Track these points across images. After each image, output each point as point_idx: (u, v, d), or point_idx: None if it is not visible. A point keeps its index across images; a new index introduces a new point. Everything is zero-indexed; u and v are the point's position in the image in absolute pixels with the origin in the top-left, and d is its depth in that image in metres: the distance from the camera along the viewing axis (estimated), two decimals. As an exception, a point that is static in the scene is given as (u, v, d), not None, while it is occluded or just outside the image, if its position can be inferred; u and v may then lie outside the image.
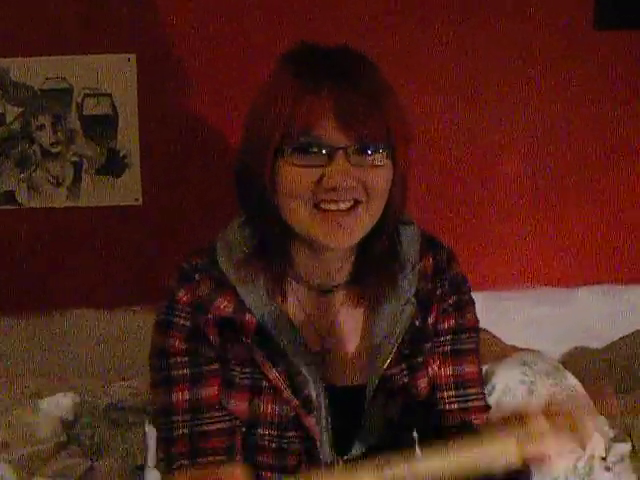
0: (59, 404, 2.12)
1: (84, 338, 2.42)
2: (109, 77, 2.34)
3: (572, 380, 2.16)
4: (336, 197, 1.31)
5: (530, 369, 2.13)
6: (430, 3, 2.33)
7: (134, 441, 2.02)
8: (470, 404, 1.50)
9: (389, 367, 1.43)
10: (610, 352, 2.49)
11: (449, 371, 1.50)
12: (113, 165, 2.37)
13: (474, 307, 1.54)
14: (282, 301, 1.46)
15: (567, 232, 2.44)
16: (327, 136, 1.30)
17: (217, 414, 1.46)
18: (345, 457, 1.46)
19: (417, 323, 1.47)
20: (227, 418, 1.46)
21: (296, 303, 1.48)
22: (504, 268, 2.45)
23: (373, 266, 1.45)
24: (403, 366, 1.46)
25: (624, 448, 2.10)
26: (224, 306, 1.44)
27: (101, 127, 2.36)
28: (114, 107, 2.35)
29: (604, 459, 2.08)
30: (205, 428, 1.46)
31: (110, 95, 2.35)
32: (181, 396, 1.46)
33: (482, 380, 1.57)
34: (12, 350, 2.42)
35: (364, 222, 1.36)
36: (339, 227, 1.33)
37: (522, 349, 2.34)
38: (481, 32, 2.33)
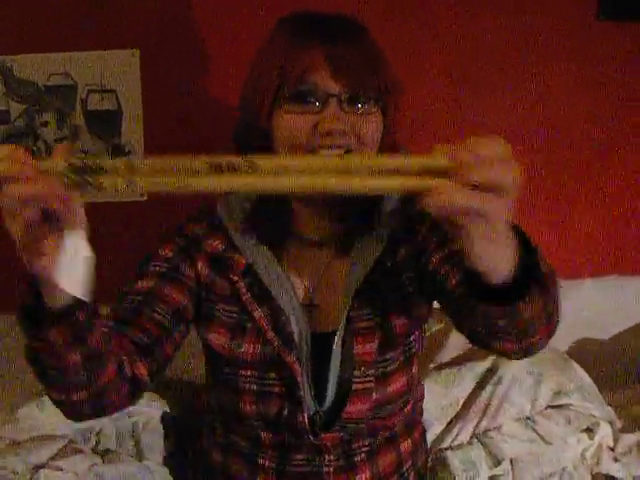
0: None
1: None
2: (113, 73, 2.34)
3: (579, 371, 2.16)
4: (330, 142, 1.37)
5: (537, 360, 2.13)
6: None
7: (144, 436, 2.03)
8: None
9: (358, 308, 1.50)
10: (617, 343, 2.49)
11: (442, 254, 1.45)
12: (118, 161, 2.37)
13: None
14: (274, 248, 1.53)
15: (572, 224, 2.44)
16: (321, 84, 1.38)
17: (165, 310, 1.49)
18: (323, 406, 1.51)
19: (388, 263, 1.52)
20: (169, 322, 1.49)
21: (287, 253, 1.55)
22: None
23: (359, 216, 1.52)
24: (375, 306, 1.51)
25: (633, 439, 2.10)
26: (216, 244, 1.55)
27: (105, 123, 2.36)
28: (118, 103, 2.35)
29: (612, 450, 2.07)
30: (146, 309, 1.48)
31: (114, 91, 2.35)
32: (145, 283, 1.51)
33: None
34: (18, 348, 2.41)
35: None
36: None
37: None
38: (483, 22, 2.33)
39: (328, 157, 1.18)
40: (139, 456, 2.00)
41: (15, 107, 2.35)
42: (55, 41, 2.31)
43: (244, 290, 1.51)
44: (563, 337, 2.45)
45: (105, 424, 2.07)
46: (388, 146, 1.48)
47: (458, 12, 2.32)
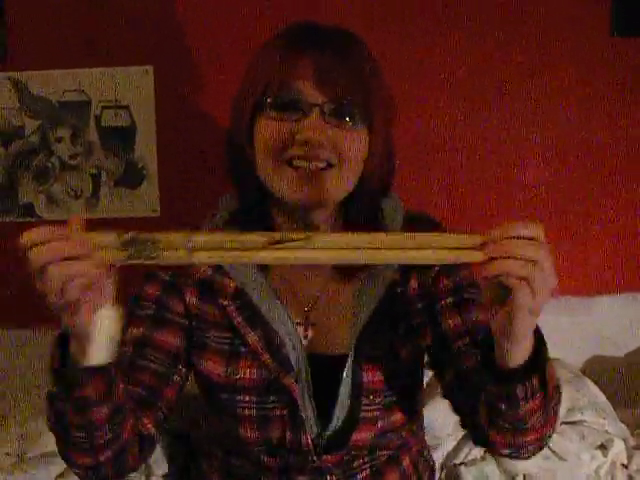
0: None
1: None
2: (127, 89, 2.35)
3: (593, 388, 2.15)
4: (308, 152, 1.34)
5: (551, 376, 2.12)
6: (445, 9, 2.33)
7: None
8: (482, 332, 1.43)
9: (370, 334, 1.44)
10: (631, 360, 2.48)
11: (457, 320, 1.47)
12: (131, 177, 2.38)
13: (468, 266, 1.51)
14: (263, 269, 1.48)
15: (586, 240, 2.43)
16: (304, 92, 1.35)
17: (160, 357, 1.48)
18: (328, 429, 1.46)
19: (399, 290, 1.49)
20: (167, 366, 1.48)
21: (278, 274, 1.51)
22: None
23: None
24: (384, 333, 1.47)
25: (646, 456, 2.09)
26: (203, 270, 1.49)
27: (119, 139, 2.37)
28: (132, 119, 2.36)
29: (626, 467, 2.06)
30: (140, 362, 1.47)
31: (128, 107, 2.36)
32: (134, 331, 1.49)
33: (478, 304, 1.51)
34: (28, 363, 2.42)
35: (336, 185, 1.38)
36: (308, 185, 1.35)
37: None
38: (497, 38, 2.32)
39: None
40: (147, 472, 1.99)
41: (29, 123, 2.36)
42: (69, 58, 2.33)
43: (235, 314, 1.47)
44: (577, 354, 2.45)
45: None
46: (375, 165, 1.44)
47: (472, 29, 2.32)
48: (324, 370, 1.46)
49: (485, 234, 1.11)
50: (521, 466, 1.98)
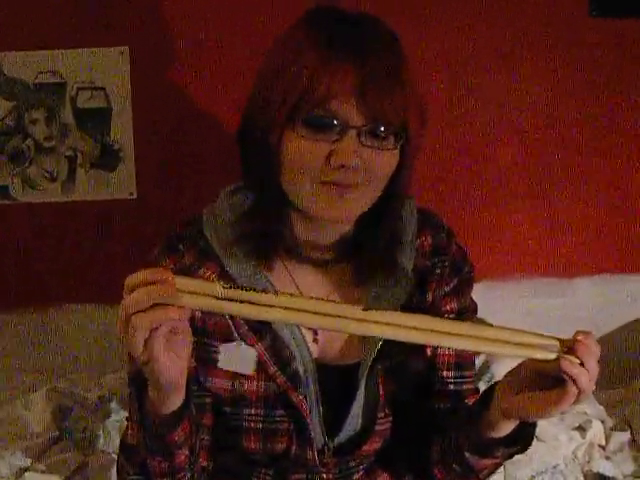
0: (49, 398, 2.11)
1: (80, 333, 2.41)
2: (102, 70, 2.32)
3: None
4: (342, 177, 1.27)
5: (529, 357, 2.13)
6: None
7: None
8: (465, 386, 1.49)
9: (383, 346, 1.39)
10: (608, 342, 2.49)
11: (452, 350, 1.48)
12: (107, 159, 2.36)
13: (472, 285, 1.53)
14: (270, 272, 1.42)
15: (563, 221, 2.44)
16: (343, 113, 1.26)
17: None
18: (335, 441, 1.43)
19: (414, 300, 1.44)
20: (195, 395, 1.40)
21: (287, 276, 1.44)
22: (499, 258, 2.44)
23: (369, 241, 1.42)
24: (398, 345, 1.35)
25: (624, 437, 2.10)
26: (207, 276, 1.40)
27: (95, 121, 2.35)
28: (108, 100, 2.34)
29: (603, 448, 2.08)
30: None
31: (104, 89, 2.34)
32: None
33: (475, 363, 1.56)
34: (8, 346, 2.41)
35: (363, 201, 1.33)
36: (341, 200, 1.30)
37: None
38: (473, 16, 2.32)
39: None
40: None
41: (4, 105, 2.34)
42: (44, 39, 2.30)
43: (241, 323, 1.40)
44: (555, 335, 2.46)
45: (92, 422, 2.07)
46: (402, 179, 1.38)
47: (449, 7, 2.31)
48: (334, 379, 1.42)
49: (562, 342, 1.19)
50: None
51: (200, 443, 1.40)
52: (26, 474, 1.91)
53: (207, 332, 1.42)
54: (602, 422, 2.10)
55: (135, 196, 2.38)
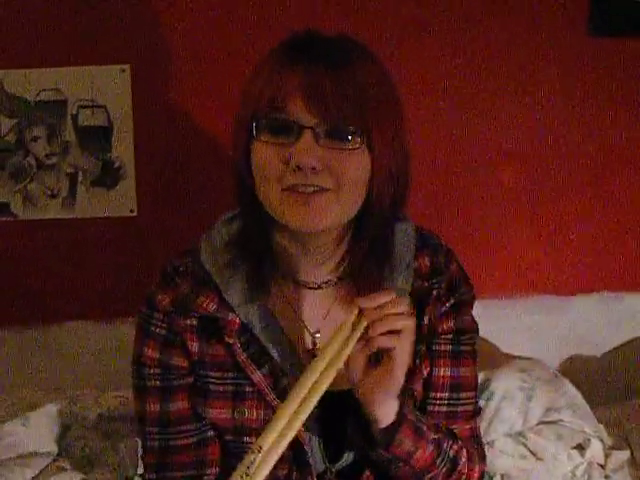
0: (49, 416, 2.11)
1: (81, 350, 2.41)
2: (103, 88, 2.33)
3: (570, 387, 2.15)
4: (303, 180, 1.28)
5: (529, 376, 2.13)
6: (422, 11, 2.32)
7: (125, 452, 2.01)
8: (459, 408, 1.50)
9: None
10: (607, 360, 2.49)
11: (447, 372, 1.48)
12: (108, 176, 2.36)
13: (472, 307, 1.54)
14: (267, 298, 1.42)
15: (564, 239, 2.43)
16: (295, 114, 1.28)
17: (185, 428, 1.45)
18: (336, 466, 1.43)
19: None
20: (196, 432, 1.45)
21: (283, 300, 1.45)
22: (499, 276, 2.44)
23: (363, 262, 1.42)
24: None
25: (623, 456, 2.09)
26: (206, 304, 1.41)
27: (96, 138, 2.36)
28: (109, 118, 2.34)
29: (603, 467, 2.07)
30: (172, 443, 1.45)
31: (105, 106, 2.34)
32: (152, 407, 1.45)
33: (477, 383, 1.56)
34: (8, 362, 2.41)
35: (334, 209, 1.32)
36: (306, 207, 1.29)
37: (519, 357, 2.34)
38: (473, 37, 2.32)
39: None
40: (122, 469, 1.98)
41: (5, 122, 2.34)
42: (46, 56, 2.31)
43: (240, 351, 1.40)
44: (554, 354, 2.45)
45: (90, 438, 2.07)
46: (381, 186, 1.36)
47: (451, 27, 2.32)
48: (333, 404, 1.38)
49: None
50: (499, 466, 1.98)
51: (207, 478, 1.44)
52: (25, 493, 1.91)
53: (205, 363, 1.43)
54: (601, 441, 2.09)
55: (136, 213, 2.38)
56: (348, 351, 1.20)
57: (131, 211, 2.38)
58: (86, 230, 2.39)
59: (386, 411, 1.30)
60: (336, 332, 1.20)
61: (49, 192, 2.37)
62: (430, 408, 1.48)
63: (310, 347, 1.46)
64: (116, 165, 2.36)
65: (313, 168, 1.27)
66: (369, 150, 1.33)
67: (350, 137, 1.30)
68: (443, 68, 2.34)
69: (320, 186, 1.29)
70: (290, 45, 1.36)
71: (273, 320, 1.43)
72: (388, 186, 1.38)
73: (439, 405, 1.48)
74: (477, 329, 1.54)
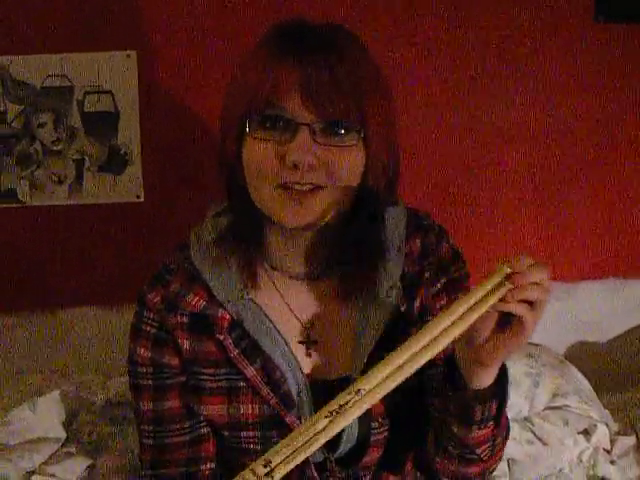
0: (57, 401, 2.12)
1: (88, 335, 2.42)
2: (110, 74, 2.33)
3: (576, 373, 2.16)
4: (298, 177, 1.26)
5: (535, 362, 2.14)
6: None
7: (133, 437, 2.02)
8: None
9: (373, 356, 1.38)
10: (614, 346, 2.49)
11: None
12: (114, 162, 2.37)
13: (467, 284, 1.50)
14: (257, 292, 1.42)
15: (569, 225, 2.44)
16: (291, 110, 1.26)
17: (179, 426, 1.45)
18: (335, 455, 1.43)
19: (402, 309, 1.42)
20: (190, 430, 1.45)
21: (275, 293, 1.44)
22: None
23: (355, 252, 1.40)
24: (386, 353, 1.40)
25: (629, 442, 2.10)
26: (195, 302, 1.40)
27: (102, 124, 2.36)
28: (115, 104, 2.35)
29: (609, 452, 2.07)
30: (166, 441, 1.45)
31: (111, 92, 2.34)
32: (146, 406, 1.46)
33: None
34: (16, 348, 2.42)
35: (327, 206, 1.31)
36: (299, 205, 1.29)
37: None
38: (479, 21, 2.32)
39: None
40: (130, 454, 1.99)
41: (12, 108, 2.34)
42: (52, 42, 2.31)
43: (232, 347, 1.39)
44: (560, 340, 2.46)
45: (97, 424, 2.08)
46: (374, 180, 1.35)
47: (454, 13, 2.32)
48: (328, 394, 1.33)
49: (496, 267, 1.17)
50: (505, 451, 1.98)
51: (201, 474, 1.44)
52: (33, 477, 1.92)
53: (197, 360, 1.43)
54: (607, 426, 2.10)
55: (142, 199, 2.38)
56: (483, 310, 1.15)
57: (137, 197, 2.38)
58: (92, 216, 2.39)
59: (491, 374, 1.27)
60: (472, 292, 1.16)
61: (55, 178, 2.37)
62: (429, 385, 1.46)
63: (303, 339, 1.45)
64: (122, 151, 2.36)
65: (310, 165, 1.26)
66: (364, 145, 1.32)
67: (347, 133, 1.29)
68: (447, 53, 2.34)
69: (316, 184, 1.29)
70: (282, 36, 1.33)
71: (264, 314, 1.41)
72: (381, 179, 1.37)
73: (439, 380, 1.46)
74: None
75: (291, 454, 1.11)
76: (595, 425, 2.07)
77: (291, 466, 1.11)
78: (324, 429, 1.11)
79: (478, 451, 1.37)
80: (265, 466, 1.10)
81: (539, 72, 2.36)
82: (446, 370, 1.33)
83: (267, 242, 1.44)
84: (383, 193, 1.39)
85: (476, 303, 1.15)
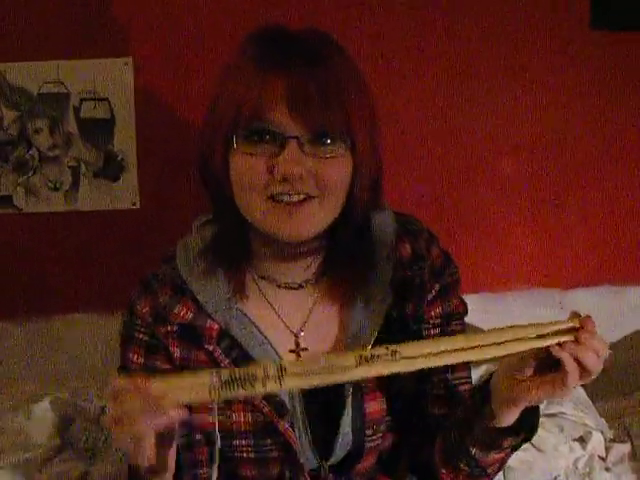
0: (52, 408, 2.12)
1: (83, 342, 2.41)
2: (106, 81, 2.34)
3: (572, 381, 2.15)
4: (288, 189, 1.26)
5: (530, 369, 2.13)
6: (423, 1, 2.33)
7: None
8: (461, 387, 1.48)
9: None
10: (609, 354, 2.49)
11: None
12: (111, 169, 2.37)
13: (459, 288, 1.50)
14: (245, 302, 1.41)
15: (563, 232, 2.44)
16: (278, 123, 1.26)
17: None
18: (329, 462, 1.42)
19: (394, 314, 1.42)
20: (184, 435, 1.43)
21: (264, 302, 1.44)
22: (501, 269, 2.44)
23: (343, 259, 1.41)
24: None
25: (624, 449, 2.10)
26: (183, 313, 1.39)
27: (98, 131, 2.36)
28: (111, 111, 2.35)
29: (604, 460, 2.07)
30: None
31: (107, 99, 2.35)
32: None
33: (469, 365, 1.54)
34: (11, 355, 2.41)
35: (317, 216, 1.31)
36: (290, 219, 1.29)
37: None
38: (475, 28, 2.33)
39: None
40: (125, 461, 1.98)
41: (8, 115, 2.35)
42: (48, 49, 2.31)
43: (222, 357, 1.38)
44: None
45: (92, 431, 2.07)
46: (361, 188, 1.34)
47: (449, 21, 2.32)
48: (321, 401, 1.40)
49: (570, 321, 1.20)
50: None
51: (200, 477, 1.43)
52: (29, 486, 1.92)
53: (188, 368, 1.40)
54: (602, 433, 2.10)
55: (138, 206, 2.38)
56: (538, 345, 1.17)
57: (133, 204, 2.38)
58: (89, 223, 2.39)
59: (515, 414, 1.28)
60: (537, 325, 1.19)
61: (52, 185, 2.37)
62: (432, 392, 1.47)
63: (293, 347, 1.44)
64: (119, 158, 2.37)
65: (300, 177, 1.26)
66: (351, 153, 1.31)
67: (334, 143, 1.29)
68: (443, 59, 2.35)
69: (306, 193, 1.28)
70: (264, 47, 1.33)
71: (252, 323, 1.41)
72: (368, 187, 1.37)
73: (441, 388, 1.47)
74: (466, 309, 1.51)
75: (306, 373, 1.12)
76: (590, 432, 2.07)
77: (303, 383, 1.13)
78: (346, 369, 1.12)
79: (489, 470, 1.39)
80: (278, 370, 1.11)
81: (534, 80, 2.36)
82: (478, 402, 1.34)
83: (254, 252, 1.43)
84: (369, 200, 1.39)
85: (535, 337, 1.17)
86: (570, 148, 2.40)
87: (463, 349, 1.15)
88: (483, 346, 1.16)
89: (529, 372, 1.21)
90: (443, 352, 1.15)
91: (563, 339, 1.16)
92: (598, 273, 2.48)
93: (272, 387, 1.12)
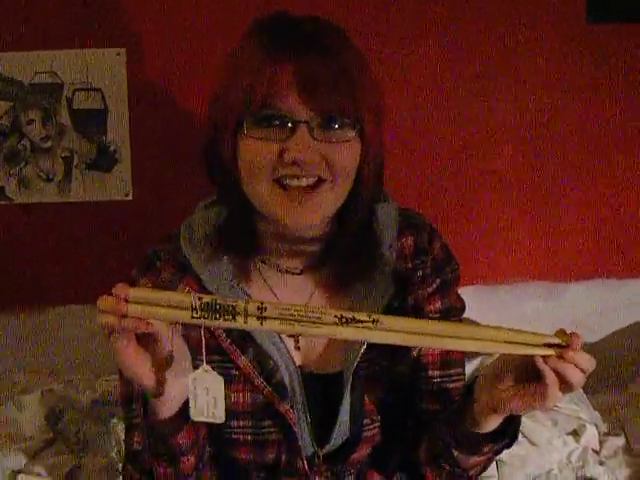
0: (44, 400, 2.11)
1: (76, 334, 2.41)
2: (99, 72, 2.32)
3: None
4: (298, 172, 1.27)
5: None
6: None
7: (120, 436, 2.01)
8: (452, 385, 1.49)
9: (366, 352, 1.39)
10: (602, 347, 2.49)
11: (437, 350, 1.47)
12: (103, 160, 2.36)
13: (458, 283, 1.52)
14: (248, 284, 1.42)
15: (560, 225, 2.44)
16: (289, 108, 1.27)
17: None
18: (324, 450, 1.42)
19: (395, 304, 1.42)
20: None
21: (265, 286, 1.44)
22: (495, 262, 2.44)
23: (346, 247, 1.41)
24: (381, 350, 1.41)
25: (618, 442, 2.10)
26: (186, 292, 1.38)
27: (91, 122, 2.35)
28: (104, 102, 2.34)
29: (598, 453, 2.08)
30: None
31: (100, 90, 2.33)
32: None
33: (464, 360, 1.55)
34: (3, 346, 2.41)
35: (328, 202, 1.32)
36: (300, 205, 1.29)
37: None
38: (471, 21, 2.32)
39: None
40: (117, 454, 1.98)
41: (0, 105, 2.33)
42: (41, 39, 2.30)
43: (223, 337, 1.39)
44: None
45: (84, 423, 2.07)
46: (368, 174, 1.36)
47: (447, 13, 2.31)
48: (320, 388, 1.41)
49: (556, 336, 1.21)
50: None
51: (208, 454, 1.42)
52: (19, 476, 1.91)
53: (189, 345, 1.37)
54: (596, 427, 2.10)
55: (131, 197, 2.38)
56: (521, 352, 1.18)
57: (126, 195, 2.37)
58: (81, 214, 2.38)
59: (497, 422, 1.30)
60: (526, 333, 1.19)
61: (44, 176, 2.36)
62: (424, 387, 1.48)
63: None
64: (111, 149, 2.35)
65: (311, 161, 1.27)
66: (360, 137, 1.33)
67: (343, 128, 1.30)
68: (439, 53, 2.34)
69: (318, 176, 1.29)
70: (270, 33, 1.33)
71: None
72: (375, 172, 1.39)
73: (432, 384, 1.48)
74: (464, 306, 1.53)
75: (285, 318, 1.13)
76: (584, 426, 2.07)
77: (283, 329, 1.14)
78: (323, 324, 1.13)
79: (471, 472, 1.41)
80: (259, 309, 1.12)
81: (531, 73, 2.35)
82: (461, 406, 1.35)
83: (259, 236, 1.43)
84: (374, 187, 1.40)
85: (521, 344, 1.18)
86: (566, 141, 2.39)
87: (443, 336, 1.15)
88: (463, 338, 1.15)
89: (508, 382, 1.23)
90: (423, 334, 1.15)
91: (547, 352, 1.17)
92: (594, 266, 2.47)
93: (253, 324, 1.13)
